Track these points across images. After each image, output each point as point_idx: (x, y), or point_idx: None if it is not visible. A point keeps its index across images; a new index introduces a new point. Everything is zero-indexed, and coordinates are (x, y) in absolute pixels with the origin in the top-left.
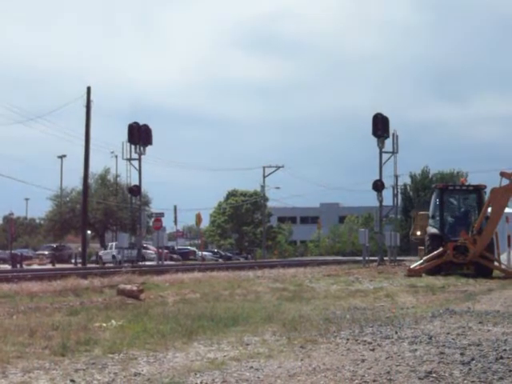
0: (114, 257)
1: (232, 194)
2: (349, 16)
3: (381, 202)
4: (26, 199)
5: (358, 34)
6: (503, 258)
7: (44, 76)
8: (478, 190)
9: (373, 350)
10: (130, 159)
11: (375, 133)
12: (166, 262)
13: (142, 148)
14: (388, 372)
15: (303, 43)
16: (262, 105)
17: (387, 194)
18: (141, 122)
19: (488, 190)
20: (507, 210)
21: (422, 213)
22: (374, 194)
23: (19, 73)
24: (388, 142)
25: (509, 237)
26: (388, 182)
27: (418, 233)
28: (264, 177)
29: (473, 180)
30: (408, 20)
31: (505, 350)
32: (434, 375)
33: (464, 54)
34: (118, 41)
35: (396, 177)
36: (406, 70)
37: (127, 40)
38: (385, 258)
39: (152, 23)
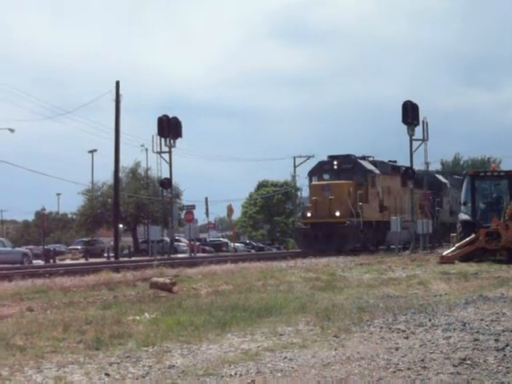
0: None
1: (263, 185)
2: (380, 4)
3: (412, 189)
4: (58, 194)
5: (389, 22)
6: None
7: (73, 71)
8: (510, 175)
9: (406, 337)
10: (160, 152)
11: (405, 120)
12: (198, 254)
13: (171, 141)
14: (422, 360)
15: (334, 32)
16: (292, 95)
17: None
18: (171, 115)
19: None
20: None
21: None
22: None
23: (48, 68)
24: (418, 130)
25: None
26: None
27: None
28: (295, 167)
29: (504, 166)
30: (439, 7)
31: None
32: (468, 362)
33: (495, 40)
34: (147, 34)
35: (427, 164)
36: (436, 57)
37: (157, 33)
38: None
39: (182, 15)
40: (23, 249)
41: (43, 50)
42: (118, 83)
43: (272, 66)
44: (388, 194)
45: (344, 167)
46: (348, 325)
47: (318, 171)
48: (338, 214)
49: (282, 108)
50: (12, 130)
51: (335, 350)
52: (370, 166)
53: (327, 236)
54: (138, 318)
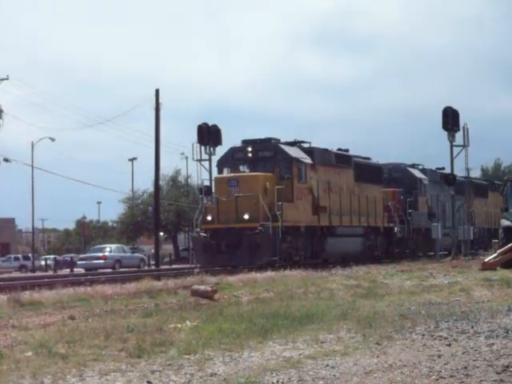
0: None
1: None
2: (423, 12)
3: (453, 195)
4: (98, 202)
5: (431, 30)
6: None
7: (113, 79)
8: None
9: (449, 345)
10: (200, 160)
11: (445, 126)
12: None
13: (211, 149)
14: (465, 367)
15: (376, 41)
16: (334, 102)
17: None
18: (211, 123)
19: None
20: None
21: None
22: None
23: (88, 76)
24: (459, 136)
25: None
26: (459, 175)
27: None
28: None
29: None
30: (481, 14)
31: None
32: (511, 369)
33: None
34: (187, 41)
35: (467, 170)
36: (478, 64)
37: (198, 39)
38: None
39: (224, 22)
40: (141, 255)
41: (83, 58)
42: (157, 91)
43: (312, 74)
44: (329, 191)
45: (262, 155)
46: (390, 332)
47: (229, 161)
48: (246, 216)
49: (322, 116)
50: (52, 139)
51: (377, 357)
52: (298, 154)
53: (233, 247)
54: (179, 325)
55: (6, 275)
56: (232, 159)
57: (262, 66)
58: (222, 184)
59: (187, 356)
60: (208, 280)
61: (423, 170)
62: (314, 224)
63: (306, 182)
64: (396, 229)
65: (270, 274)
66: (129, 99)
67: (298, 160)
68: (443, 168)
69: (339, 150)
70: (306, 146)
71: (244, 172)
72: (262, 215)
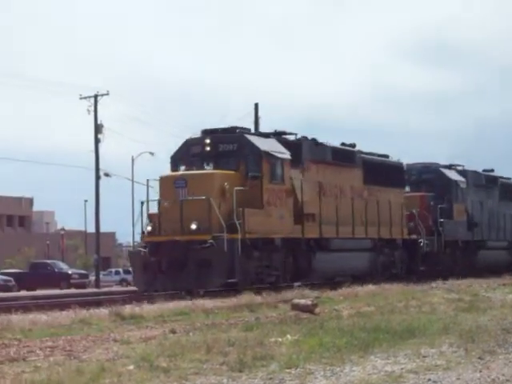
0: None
1: None
2: None
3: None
4: None
5: None
6: None
7: (211, 92)
8: None
9: None
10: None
11: None
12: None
13: None
14: None
15: (470, 51)
16: (427, 114)
17: None
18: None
19: None
20: None
21: None
22: None
23: (186, 90)
24: None
25: None
26: None
27: None
28: None
29: None
30: None
31: None
32: None
33: None
34: (284, 54)
35: None
36: None
37: (294, 53)
38: None
39: (320, 36)
40: None
41: (184, 71)
42: (256, 105)
43: (406, 85)
44: (321, 195)
45: (224, 148)
46: (492, 346)
47: (184, 156)
48: (194, 226)
49: (416, 127)
50: (152, 153)
51: (480, 372)
52: (272, 147)
53: (176, 265)
54: (280, 339)
55: (106, 289)
56: (187, 154)
57: (358, 78)
58: (166, 185)
59: (288, 370)
60: (308, 294)
61: (462, 172)
62: (295, 235)
63: (283, 183)
64: (422, 241)
65: (370, 287)
66: (229, 112)
67: (270, 154)
68: (492, 170)
69: (343, 144)
70: (290, 138)
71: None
72: (216, 225)
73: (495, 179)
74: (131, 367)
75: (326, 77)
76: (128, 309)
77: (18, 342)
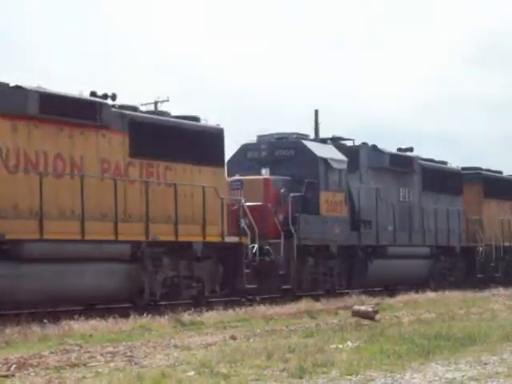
0: None
1: None
2: None
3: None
4: None
5: None
6: None
7: (272, 100)
8: None
9: None
10: None
11: None
12: None
13: None
14: None
15: None
16: (489, 120)
17: None
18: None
19: None
20: None
21: None
22: None
23: (248, 99)
24: None
25: None
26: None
27: None
28: None
29: None
30: None
31: None
32: None
33: None
34: (342, 61)
35: None
36: None
37: (351, 59)
38: None
39: (380, 41)
40: None
41: (235, 76)
42: (316, 112)
43: (471, 91)
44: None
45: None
46: None
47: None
48: None
49: (475, 133)
50: None
51: None
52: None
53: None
54: (340, 346)
55: None
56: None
57: (419, 84)
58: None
59: (349, 377)
60: (367, 301)
61: (347, 149)
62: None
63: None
64: (254, 246)
65: (430, 294)
66: (291, 120)
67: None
68: (410, 149)
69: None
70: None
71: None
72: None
73: (411, 161)
74: (191, 373)
75: (386, 82)
76: (188, 315)
77: (78, 347)
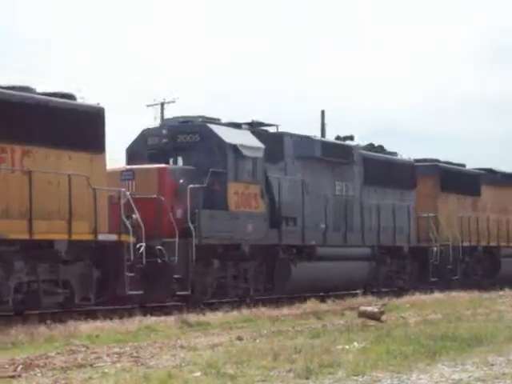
0: None
1: None
2: None
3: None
4: None
5: None
6: None
7: (280, 100)
8: None
9: None
10: None
11: None
12: None
13: None
14: None
15: None
16: (492, 121)
17: None
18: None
19: None
20: None
21: None
22: None
23: (253, 96)
24: None
25: None
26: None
27: None
28: None
29: None
30: None
31: None
32: None
33: None
34: (352, 61)
35: None
36: None
37: (360, 59)
38: None
39: (389, 40)
40: None
41: (236, 76)
42: (323, 112)
43: (483, 92)
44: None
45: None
46: None
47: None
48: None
49: (480, 133)
50: None
51: None
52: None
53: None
54: (347, 346)
55: None
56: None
57: (425, 85)
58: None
59: (355, 377)
60: (374, 301)
61: (261, 133)
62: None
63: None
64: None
65: (437, 295)
66: (295, 120)
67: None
68: (350, 137)
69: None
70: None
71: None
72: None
73: (349, 151)
74: (198, 374)
75: (394, 83)
76: (195, 316)
77: (85, 348)
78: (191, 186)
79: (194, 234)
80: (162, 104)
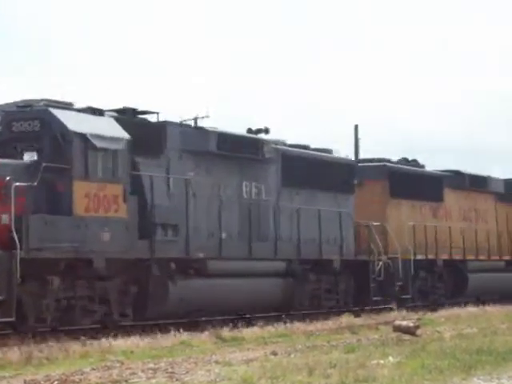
0: None
1: None
2: None
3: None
4: None
5: None
6: None
7: (313, 114)
8: None
9: None
10: None
11: None
12: None
13: None
14: None
15: None
16: None
17: None
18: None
19: None
20: None
21: None
22: None
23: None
24: None
25: None
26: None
27: None
28: None
29: None
30: None
31: None
32: None
33: None
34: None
35: None
36: None
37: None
38: None
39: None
40: None
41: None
42: (356, 127)
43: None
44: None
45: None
46: None
47: None
48: None
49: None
50: None
51: None
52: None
53: None
54: (381, 361)
55: None
56: None
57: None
58: None
59: None
60: (409, 316)
61: (136, 122)
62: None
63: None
64: None
65: (471, 309)
66: (328, 135)
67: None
68: (265, 130)
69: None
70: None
71: None
72: None
73: (260, 146)
74: None
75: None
76: (229, 331)
77: (120, 363)
78: (17, 184)
79: (17, 244)
80: (196, 119)
